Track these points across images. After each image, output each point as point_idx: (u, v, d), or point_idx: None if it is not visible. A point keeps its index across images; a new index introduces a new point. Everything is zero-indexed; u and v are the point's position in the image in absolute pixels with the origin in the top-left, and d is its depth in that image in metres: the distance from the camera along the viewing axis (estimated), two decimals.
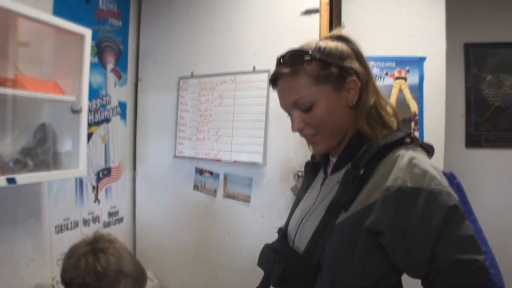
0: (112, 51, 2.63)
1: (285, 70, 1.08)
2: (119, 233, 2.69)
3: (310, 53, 1.06)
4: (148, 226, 2.82)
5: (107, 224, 2.62)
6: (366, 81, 1.10)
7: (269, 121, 2.23)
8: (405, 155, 0.99)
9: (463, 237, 0.89)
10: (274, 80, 1.14)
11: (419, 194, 0.92)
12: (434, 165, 1.00)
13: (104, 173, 2.59)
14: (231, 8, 2.45)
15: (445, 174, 1.07)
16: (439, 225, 0.89)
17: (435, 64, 2.29)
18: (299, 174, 2.14)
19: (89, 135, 2.43)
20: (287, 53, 1.10)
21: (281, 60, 1.11)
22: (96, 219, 2.53)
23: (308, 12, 2.14)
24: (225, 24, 2.46)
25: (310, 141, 1.15)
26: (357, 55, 1.11)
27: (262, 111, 2.23)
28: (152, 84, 2.78)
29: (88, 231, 2.38)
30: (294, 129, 1.13)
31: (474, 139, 3.18)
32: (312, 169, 1.32)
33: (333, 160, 1.19)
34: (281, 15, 2.25)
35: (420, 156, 1.00)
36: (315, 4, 2.12)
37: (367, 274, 0.98)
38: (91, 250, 1.35)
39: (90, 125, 2.42)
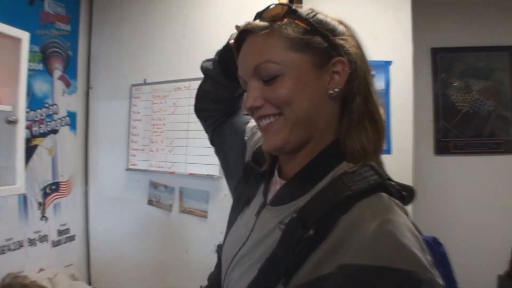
0: (60, 57, 2.50)
1: (259, 24, 0.82)
2: (70, 252, 2.58)
3: (297, 11, 0.83)
4: (102, 244, 2.70)
5: (56, 243, 2.48)
6: (362, 71, 0.83)
7: None
8: (375, 215, 0.69)
9: None
10: (241, 39, 0.87)
11: (389, 279, 0.62)
12: (413, 229, 0.70)
13: (52, 188, 2.46)
14: (185, 11, 2.39)
15: (426, 241, 0.77)
16: None
17: (402, 68, 2.24)
18: None
19: (34, 148, 2.31)
20: (270, 6, 0.84)
21: (261, 15, 0.86)
22: (43, 238, 2.39)
23: None
24: (178, 28, 2.42)
25: (266, 128, 0.84)
26: (353, 38, 0.86)
27: None
28: (104, 92, 2.69)
29: (34, 251, 2.29)
30: (247, 105, 0.83)
31: (442, 146, 3.14)
32: (256, 176, 1.01)
33: (277, 181, 0.91)
34: (239, 18, 2.12)
35: (395, 218, 0.69)
36: None
37: None
38: None
39: (34, 136, 2.31)
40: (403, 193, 0.77)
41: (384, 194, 0.73)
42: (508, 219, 3.00)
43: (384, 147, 2.11)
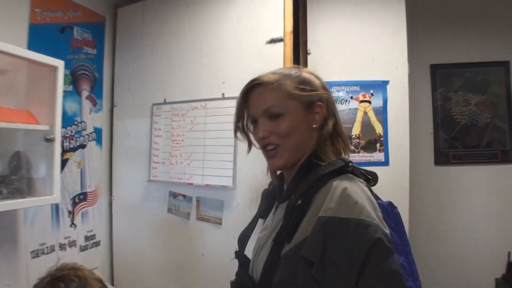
0: (87, 78, 2.67)
1: (268, 80, 1.17)
2: (96, 256, 2.71)
3: (292, 73, 1.20)
4: (125, 249, 2.83)
5: (83, 248, 2.62)
6: (331, 111, 1.21)
7: (237, 145, 2.28)
8: (339, 185, 1.03)
9: (386, 272, 0.91)
10: (250, 88, 1.21)
11: (347, 225, 0.94)
12: (369, 195, 1.05)
13: (80, 198, 2.60)
14: (202, 37, 2.51)
15: (381, 204, 1.09)
16: (363, 258, 0.90)
17: (398, 87, 2.37)
18: None
19: (65, 161, 2.45)
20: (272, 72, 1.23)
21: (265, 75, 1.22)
22: (72, 244, 2.53)
23: (273, 41, 2.22)
24: (195, 53, 2.53)
25: (270, 154, 1.19)
26: (325, 88, 1.23)
27: (231, 136, 2.21)
28: (127, 110, 2.83)
29: (64, 256, 2.39)
30: (258, 136, 1.18)
31: (442, 156, 3.24)
32: (269, 196, 1.39)
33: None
34: (248, 44, 2.32)
35: (354, 186, 1.03)
36: (279, 34, 2.20)
37: None
38: (50, 281, 1.31)
39: (65, 151, 2.45)
40: (368, 176, 1.15)
41: (350, 175, 1.10)
42: (504, 225, 3.10)
43: (382, 159, 2.33)
